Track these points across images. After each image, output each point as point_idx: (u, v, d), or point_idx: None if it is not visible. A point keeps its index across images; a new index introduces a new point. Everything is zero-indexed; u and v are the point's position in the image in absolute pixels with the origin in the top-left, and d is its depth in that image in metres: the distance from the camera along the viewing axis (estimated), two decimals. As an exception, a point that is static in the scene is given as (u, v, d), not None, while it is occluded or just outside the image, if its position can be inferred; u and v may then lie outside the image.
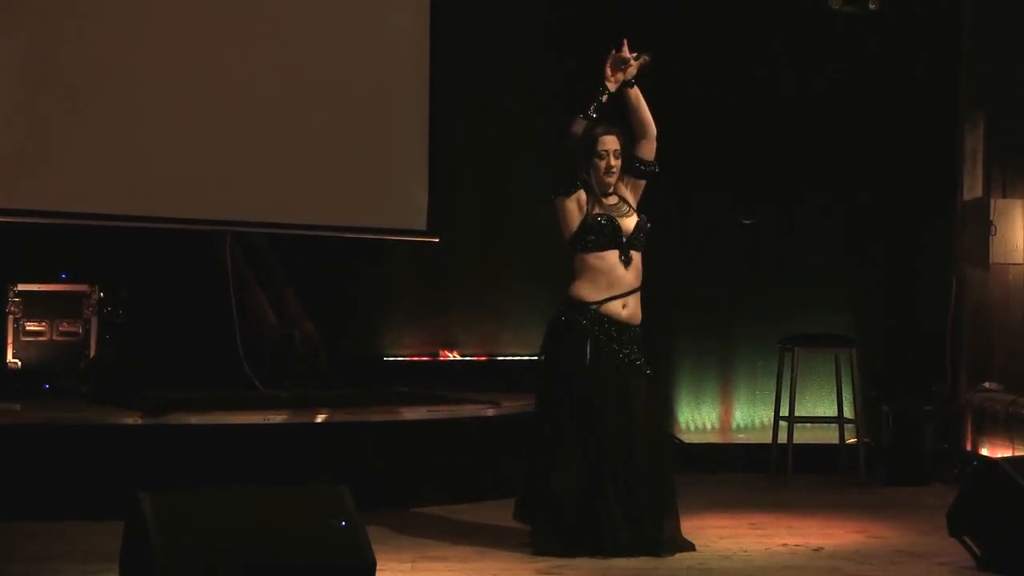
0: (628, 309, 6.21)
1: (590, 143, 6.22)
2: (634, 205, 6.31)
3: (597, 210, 6.22)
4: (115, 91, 7.88)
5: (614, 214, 6.22)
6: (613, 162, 6.22)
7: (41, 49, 7.75)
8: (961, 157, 8.96)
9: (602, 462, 6.07)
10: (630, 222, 6.25)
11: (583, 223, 6.20)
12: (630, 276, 6.21)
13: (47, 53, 7.76)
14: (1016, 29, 8.42)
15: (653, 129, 6.31)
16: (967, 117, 8.94)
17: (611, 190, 6.27)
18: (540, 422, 6.26)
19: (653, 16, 8.83)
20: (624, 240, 6.20)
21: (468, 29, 9.07)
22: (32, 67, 7.72)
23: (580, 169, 6.22)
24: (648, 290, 6.34)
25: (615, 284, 6.19)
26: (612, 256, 6.19)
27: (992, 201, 8.38)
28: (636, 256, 6.24)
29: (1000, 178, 8.52)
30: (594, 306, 6.15)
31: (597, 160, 6.22)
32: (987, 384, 8.49)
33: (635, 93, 6.28)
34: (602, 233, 6.18)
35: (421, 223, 8.70)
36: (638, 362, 6.22)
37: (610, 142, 6.23)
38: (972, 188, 8.80)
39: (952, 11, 9.11)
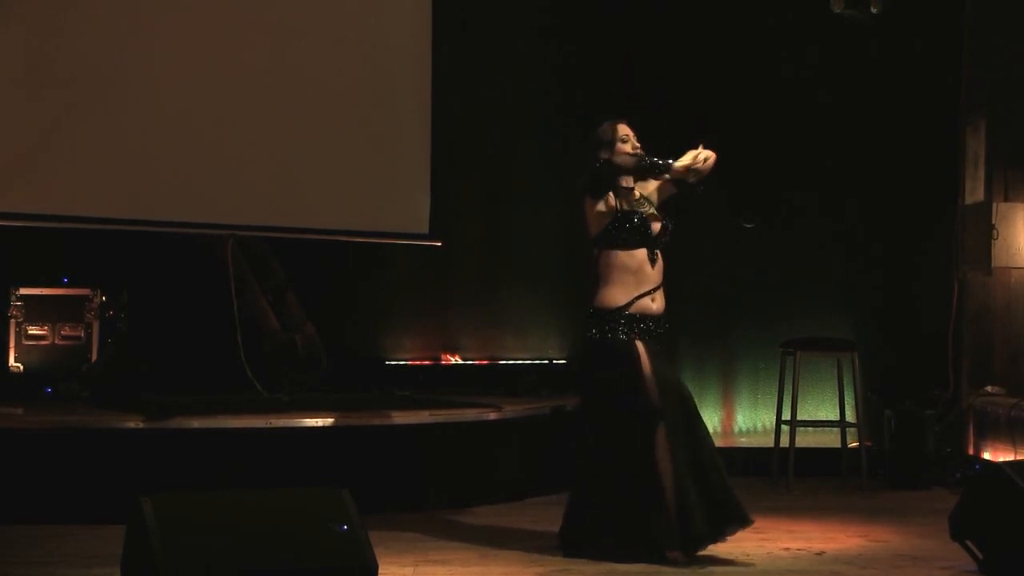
0: (657, 303, 6.29)
1: (608, 135, 6.30)
2: (656, 204, 6.38)
3: (626, 207, 6.27)
4: (117, 95, 7.88)
5: (644, 212, 6.28)
6: (635, 142, 6.32)
7: (43, 52, 7.75)
8: (963, 160, 8.96)
9: (693, 456, 6.15)
10: (656, 223, 6.31)
11: (616, 218, 6.24)
12: (656, 274, 6.29)
13: (49, 56, 7.75)
14: (1017, 30, 8.42)
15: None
16: (969, 120, 8.94)
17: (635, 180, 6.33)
18: (603, 438, 6.20)
19: (654, 17, 8.82)
20: (652, 239, 6.27)
21: (470, 32, 9.07)
22: (33, 70, 7.72)
23: (610, 174, 6.25)
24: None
25: (643, 281, 6.24)
26: (641, 254, 6.26)
27: (994, 205, 8.37)
28: (659, 254, 6.32)
29: (1002, 181, 8.51)
30: (627, 308, 6.20)
31: (621, 144, 6.29)
32: (989, 388, 8.49)
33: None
34: (635, 232, 6.24)
35: (423, 227, 8.70)
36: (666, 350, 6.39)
37: (625, 127, 6.34)
38: (974, 191, 8.79)
39: (953, 13, 9.10)
